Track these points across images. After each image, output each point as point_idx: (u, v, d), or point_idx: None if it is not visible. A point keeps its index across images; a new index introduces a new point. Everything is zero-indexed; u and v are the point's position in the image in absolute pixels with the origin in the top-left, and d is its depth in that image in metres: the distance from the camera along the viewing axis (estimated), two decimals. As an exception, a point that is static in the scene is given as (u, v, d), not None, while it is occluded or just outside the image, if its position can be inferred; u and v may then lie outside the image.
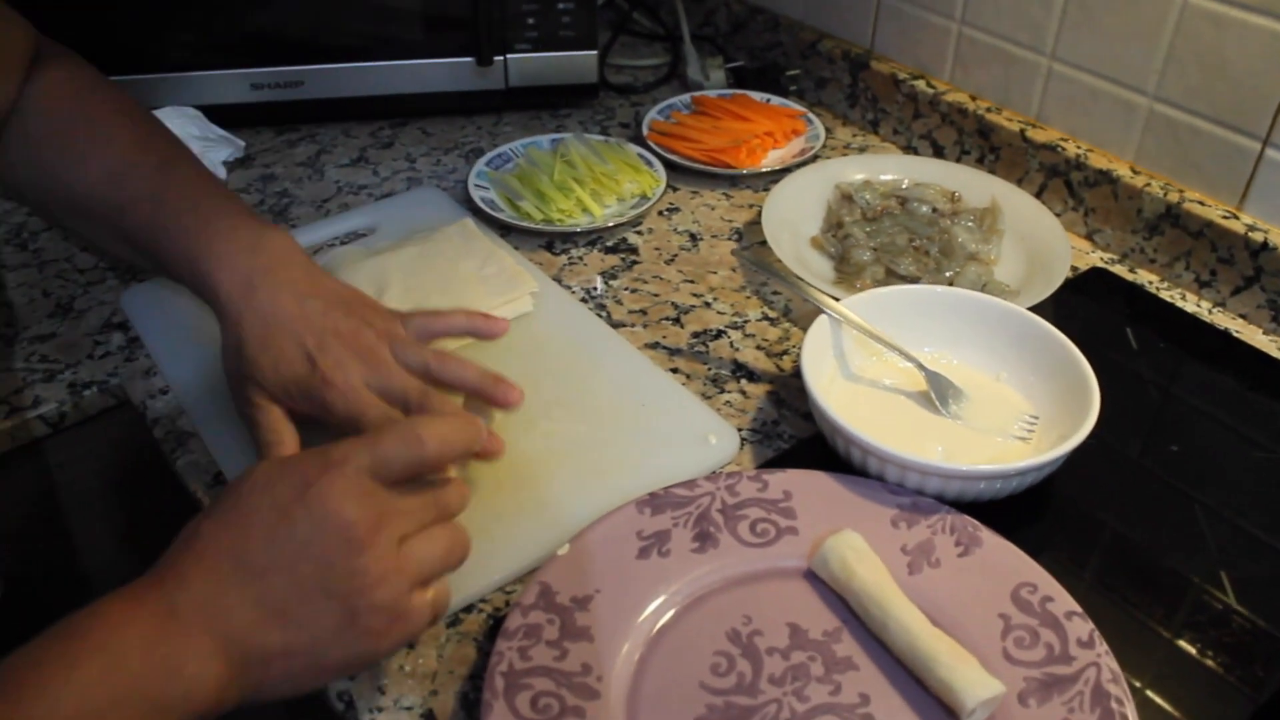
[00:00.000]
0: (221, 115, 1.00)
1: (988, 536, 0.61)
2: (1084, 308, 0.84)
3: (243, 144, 1.00)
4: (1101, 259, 0.90)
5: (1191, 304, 0.85)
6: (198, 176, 0.67)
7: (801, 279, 0.77)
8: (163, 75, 0.99)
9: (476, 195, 0.93)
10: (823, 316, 0.73)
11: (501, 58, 1.03)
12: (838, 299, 0.73)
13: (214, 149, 0.97)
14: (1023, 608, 0.57)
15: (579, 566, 0.59)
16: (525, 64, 1.05)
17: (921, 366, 0.72)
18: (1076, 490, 0.68)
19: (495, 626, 0.59)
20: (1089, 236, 0.92)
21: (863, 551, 0.59)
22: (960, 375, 0.73)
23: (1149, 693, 0.56)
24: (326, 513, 0.45)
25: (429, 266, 0.83)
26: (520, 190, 0.93)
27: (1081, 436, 0.63)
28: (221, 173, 0.97)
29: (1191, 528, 0.65)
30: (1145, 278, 0.87)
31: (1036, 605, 0.57)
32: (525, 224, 0.90)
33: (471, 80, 1.05)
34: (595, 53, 1.05)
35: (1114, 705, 0.52)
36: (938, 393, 0.71)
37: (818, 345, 0.71)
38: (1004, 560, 0.60)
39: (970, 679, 0.52)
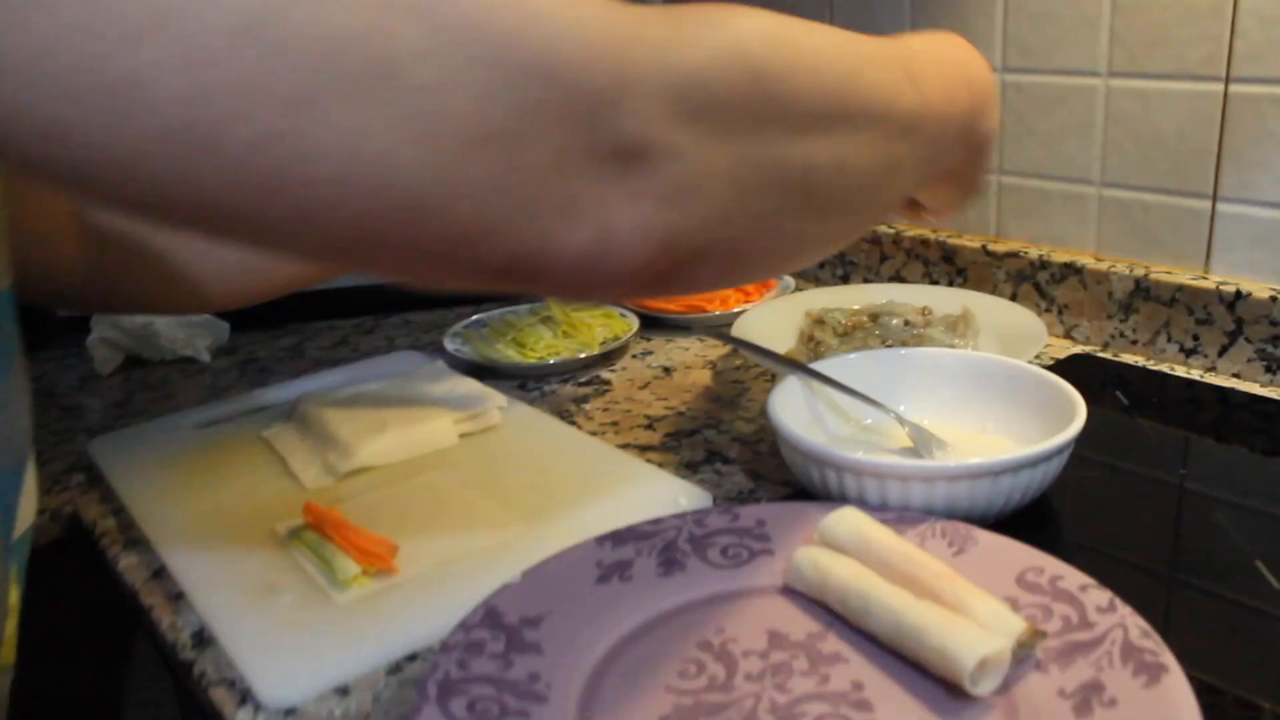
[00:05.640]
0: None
1: (983, 535, 0.55)
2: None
3: (227, 326, 1.02)
4: (1083, 350, 0.88)
5: (1182, 373, 0.82)
6: None
7: (775, 354, 0.76)
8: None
9: (450, 347, 0.93)
10: (791, 377, 0.70)
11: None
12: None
13: (199, 334, 0.99)
14: (1030, 589, 0.50)
15: (530, 592, 0.53)
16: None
17: (901, 419, 0.69)
18: (1080, 511, 0.62)
19: (439, 674, 0.52)
20: (1068, 334, 0.90)
21: (845, 543, 0.53)
22: (942, 431, 0.69)
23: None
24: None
25: (397, 394, 0.82)
26: (494, 338, 0.94)
27: (1074, 430, 0.59)
28: (205, 358, 0.99)
29: (1215, 533, 0.59)
30: (1131, 360, 0.85)
31: (1045, 584, 0.51)
32: (498, 362, 0.90)
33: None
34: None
35: (1148, 658, 0.44)
36: (921, 444, 0.67)
37: (787, 401, 0.68)
38: (1004, 553, 0.53)
39: (968, 638, 0.45)
